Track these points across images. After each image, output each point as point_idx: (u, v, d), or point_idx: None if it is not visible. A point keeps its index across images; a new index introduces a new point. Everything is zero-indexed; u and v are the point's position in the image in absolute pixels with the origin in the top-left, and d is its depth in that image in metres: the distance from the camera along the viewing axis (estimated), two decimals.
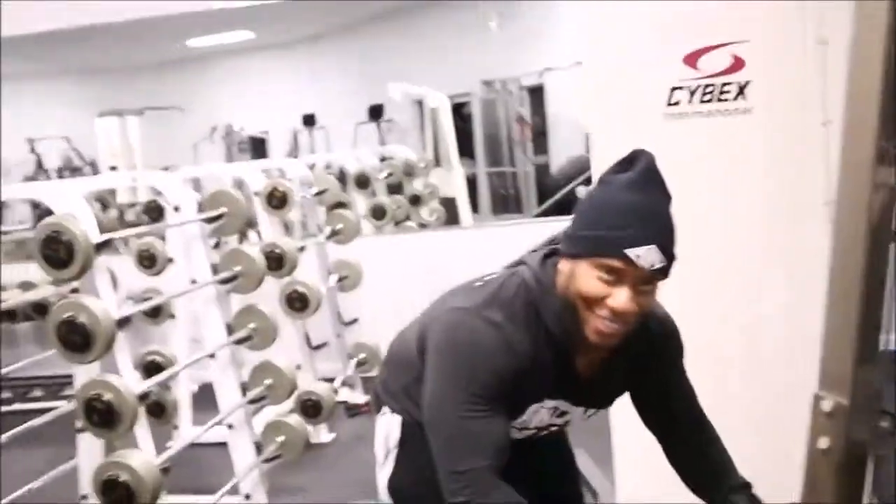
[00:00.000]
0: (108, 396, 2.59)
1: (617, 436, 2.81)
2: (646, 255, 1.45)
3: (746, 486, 1.71)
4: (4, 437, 3.38)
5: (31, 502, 3.21)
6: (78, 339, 2.55)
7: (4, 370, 3.47)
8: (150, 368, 3.88)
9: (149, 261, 4.19)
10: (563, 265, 1.54)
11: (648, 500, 2.83)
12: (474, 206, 6.93)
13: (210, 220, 3.43)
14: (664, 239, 1.48)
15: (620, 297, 1.47)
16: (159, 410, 4.13)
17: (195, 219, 3.34)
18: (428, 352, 1.62)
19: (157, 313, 4.26)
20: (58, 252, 2.56)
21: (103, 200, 6.62)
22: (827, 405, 1.23)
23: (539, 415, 1.67)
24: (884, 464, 1.30)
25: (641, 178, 1.49)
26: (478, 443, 1.52)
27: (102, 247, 2.68)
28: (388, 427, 1.80)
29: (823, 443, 1.24)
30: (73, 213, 2.64)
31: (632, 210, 1.47)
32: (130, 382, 2.68)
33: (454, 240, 5.97)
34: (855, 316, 1.25)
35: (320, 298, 4.11)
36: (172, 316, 4.17)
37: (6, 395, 5.33)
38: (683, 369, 1.78)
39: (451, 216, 6.57)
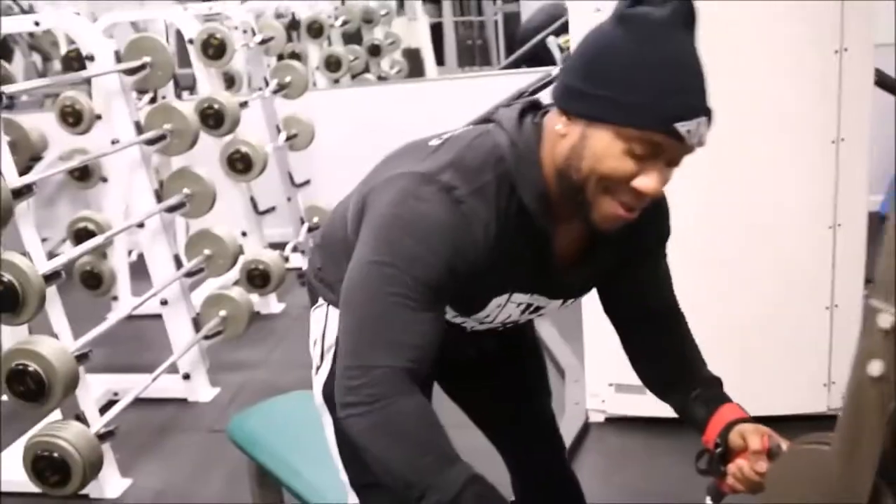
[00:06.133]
0: (7, 277, 2.27)
1: (587, 311, 2.56)
2: (696, 130, 1.12)
3: (715, 381, 1.42)
4: None
5: None
6: None
7: None
8: (81, 236, 3.55)
9: (73, 118, 3.77)
10: (564, 127, 1.17)
11: (618, 380, 2.62)
12: (439, 59, 6.47)
13: (131, 72, 3.03)
14: (708, 104, 1.14)
15: (653, 179, 1.15)
16: (95, 281, 3.85)
17: (112, 69, 2.93)
18: (364, 224, 1.26)
19: (85, 176, 3.88)
20: None
21: (40, 49, 6.08)
22: (886, 320, 0.92)
23: (506, 310, 1.36)
24: None
25: (681, 18, 1.13)
26: (398, 338, 1.19)
27: None
28: (323, 322, 1.45)
29: (876, 368, 0.94)
30: None
31: (678, 67, 1.12)
32: (36, 261, 2.36)
33: (417, 93, 5.49)
34: None
35: (265, 159, 3.75)
36: (104, 179, 3.80)
37: None
38: (666, 253, 1.47)
39: (413, 69, 6.11)
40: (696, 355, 1.46)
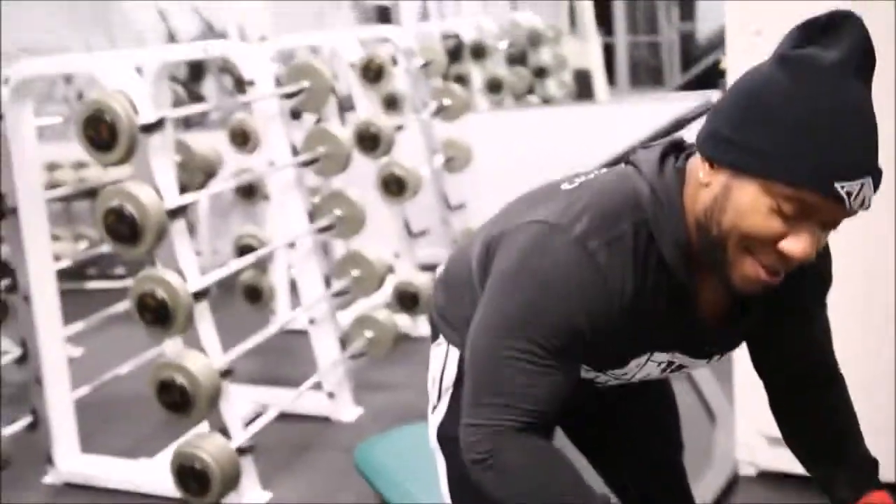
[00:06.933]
0: (161, 294, 2.38)
1: (738, 353, 2.38)
2: (858, 193, 0.98)
3: (868, 463, 1.27)
4: (95, 318, 3.32)
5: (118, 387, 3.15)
6: (125, 229, 2.33)
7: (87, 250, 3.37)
8: (244, 251, 3.70)
9: (241, 138, 3.96)
10: (706, 176, 1.06)
11: (772, 433, 2.42)
12: (610, 79, 6.32)
13: (289, 96, 3.13)
14: (877, 163, 1.01)
15: (803, 242, 1.02)
16: (256, 295, 4.01)
17: (270, 94, 3.03)
18: (490, 275, 1.21)
19: (250, 194, 4.04)
20: (101, 133, 2.32)
21: (231, 71, 6.43)
22: None
23: (646, 369, 1.27)
24: None
25: (854, 63, 0.99)
26: (513, 401, 1.14)
27: (152, 128, 2.42)
28: (442, 361, 1.42)
29: None
30: (121, 90, 2.38)
31: (845, 120, 0.98)
32: (188, 278, 2.45)
33: (585, 116, 5.37)
34: None
35: (419, 182, 3.78)
36: (266, 198, 3.95)
37: (91, 271, 5.32)
38: (825, 305, 1.32)
39: (582, 90, 5.99)
40: (851, 427, 1.32)
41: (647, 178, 1.13)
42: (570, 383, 1.18)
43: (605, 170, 1.24)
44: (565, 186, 1.21)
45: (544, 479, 1.16)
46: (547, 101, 5.89)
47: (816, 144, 0.98)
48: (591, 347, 1.15)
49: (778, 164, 0.99)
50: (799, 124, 0.98)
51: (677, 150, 1.17)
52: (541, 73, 5.90)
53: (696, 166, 1.10)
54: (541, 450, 1.17)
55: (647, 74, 7.10)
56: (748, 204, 1.02)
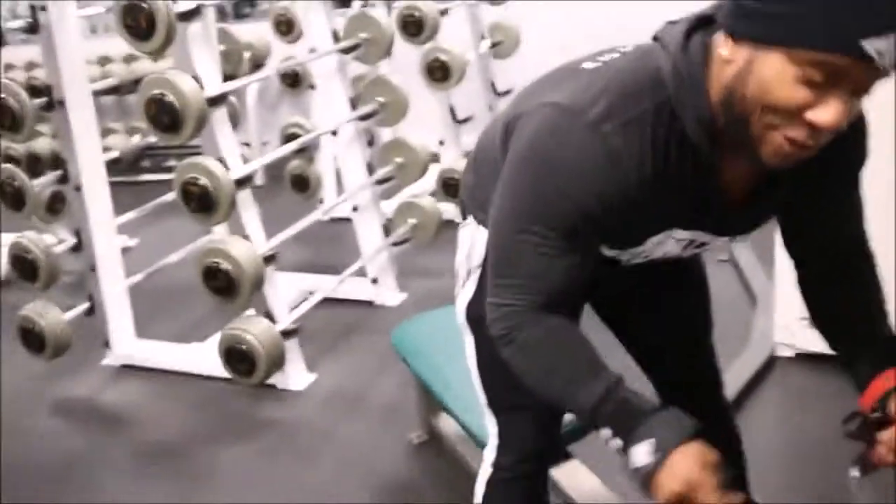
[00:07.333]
0: (203, 181, 2.43)
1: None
2: (888, 49, 0.93)
3: (892, 342, 1.26)
4: (146, 208, 3.41)
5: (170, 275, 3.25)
6: (166, 118, 2.37)
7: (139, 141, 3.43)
8: (290, 140, 3.73)
9: (286, 26, 3.93)
10: (730, 50, 1.02)
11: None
12: None
13: None
14: None
15: (832, 111, 0.97)
16: (304, 184, 4.05)
17: None
18: (507, 158, 1.20)
19: (295, 83, 4.04)
20: (139, 22, 2.33)
21: None
22: None
23: (664, 246, 1.25)
24: None
25: None
26: (528, 283, 1.16)
27: (190, 16, 2.42)
28: (471, 240, 1.43)
29: None
30: None
31: None
32: (231, 166, 2.49)
33: (636, 3, 5.19)
34: None
35: (464, 67, 3.72)
36: (312, 87, 3.94)
37: (145, 164, 5.41)
38: (860, 181, 1.27)
39: None
40: (877, 305, 1.30)
41: (671, 55, 1.09)
42: (588, 263, 1.18)
43: (631, 47, 1.20)
44: (588, 65, 1.17)
45: (559, 355, 1.20)
46: None
47: (840, 4, 0.93)
48: (606, 227, 1.15)
49: (800, 30, 0.95)
50: None
51: (705, 24, 1.11)
52: None
53: (719, 43, 1.05)
54: (556, 329, 1.19)
55: None
56: (773, 76, 0.97)
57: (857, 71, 0.94)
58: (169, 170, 5.26)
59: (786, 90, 0.97)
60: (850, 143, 1.17)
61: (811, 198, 1.24)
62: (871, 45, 0.92)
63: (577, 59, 1.22)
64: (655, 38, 1.15)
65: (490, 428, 1.50)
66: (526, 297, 1.17)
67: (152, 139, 3.57)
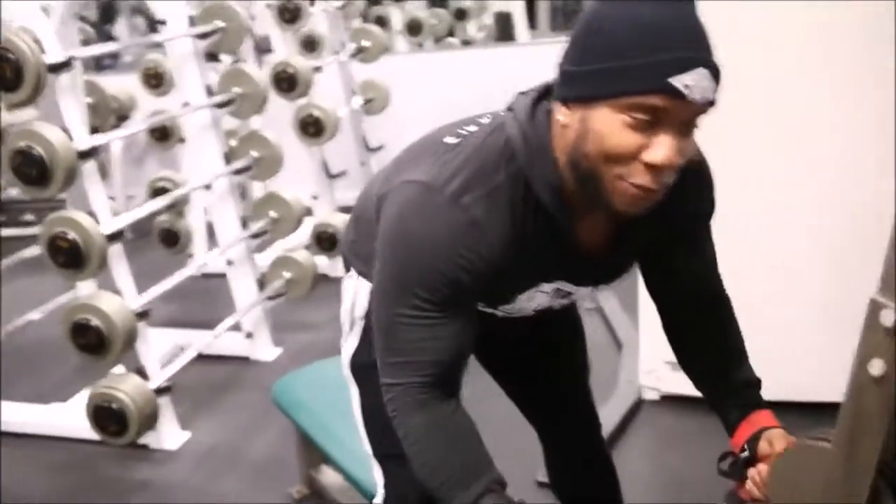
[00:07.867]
0: (72, 235, 2.36)
1: (643, 283, 2.49)
2: (696, 84, 1.02)
3: (753, 382, 1.36)
4: (7, 261, 3.27)
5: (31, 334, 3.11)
6: (33, 171, 2.30)
7: None
8: (159, 195, 3.66)
9: (156, 80, 3.90)
10: (565, 116, 1.10)
11: (674, 359, 2.55)
12: (531, 22, 6.32)
13: (204, 37, 3.08)
14: (710, 56, 1.05)
15: (663, 148, 1.05)
16: (173, 239, 3.97)
17: (183, 34, 2.99)
18: (379, 235, 1.25)
19: (164, 137, 3.99)
20: (5, 73, 2.27)
21: (144, 12, 6.24)
22: (889, 318, 0.86)
23: (536, 300, 1.33)
24: None
25: None
26: (412, 357, 1.20)
27: (60, 68, 2.38)
28: (354, 292, 1.46)
29: (877, 367, 0.89)
30: (26, 29, 2.32)
31: (666, 20, 1.03)
32: (101, 220, 2.44)
33: (504, 58, 5.37)
34: None
35: (337, 123, 3.78)
36: (182, 140, 3.90)
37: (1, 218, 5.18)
38: (710, 231, 1.38)
39: (503, 33, 6.00)
40: (737, 347, 1.40)
41: (520, 125, 1.17)
42: (469, 327, 1.23)
43: (487, 119, 1.27)
44: (448, 140, 1.24)
45: (440, 452, 1.24)
46: (467, 43, 5.89)
47: (642, 50, 1.02)
48: (477, 291, 1.21)
49: (614, 80, 1.04)
50: (622, 36, 1.03)
51: (550, 93, 1.19)
52: (461, 14, 5.90)
53: (557, 110, 1.14)
54: (440, 422, 1.24)
55: (567, 18, 7.14)
56: (604, 127, 1.06)
57: (674, 108, 1.03)
58: (26, 224, 5.08)
59: (616, 137, 1.05)
60: (695, 195, 1.28)
61: (666, 245, 1.33)
62: (679, 82, 1.01)
63: (439, 131, 1.29)
64: (510, 109, 1.24)
65: (378, 478, 1.51)
66: (414, 375, 1.21)
67: (13, 192, 3.45)
